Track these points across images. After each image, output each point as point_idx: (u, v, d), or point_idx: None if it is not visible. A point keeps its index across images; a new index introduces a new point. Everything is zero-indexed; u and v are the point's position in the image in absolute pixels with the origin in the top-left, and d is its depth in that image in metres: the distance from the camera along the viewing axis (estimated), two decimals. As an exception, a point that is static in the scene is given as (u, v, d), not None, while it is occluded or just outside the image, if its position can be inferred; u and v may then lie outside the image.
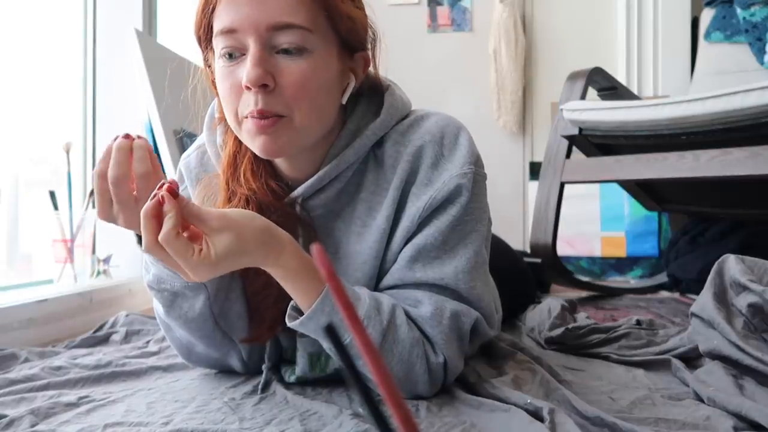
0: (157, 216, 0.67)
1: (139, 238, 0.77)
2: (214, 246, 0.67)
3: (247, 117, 0.75)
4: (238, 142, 0.83)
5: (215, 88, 0.82)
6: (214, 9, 0.76)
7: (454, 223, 0.80)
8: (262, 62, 0.73)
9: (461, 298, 0.80)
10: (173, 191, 0.66)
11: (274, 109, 0.74)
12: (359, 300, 0.75)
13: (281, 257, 0.72)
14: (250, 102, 0.74)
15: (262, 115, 0.74)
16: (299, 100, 0.75)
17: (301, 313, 0.75)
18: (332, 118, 0.82)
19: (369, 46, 0.84)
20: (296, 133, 0.77)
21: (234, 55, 0.75)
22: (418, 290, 0.80)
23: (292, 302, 0.76)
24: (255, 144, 0.77)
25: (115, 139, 0.74)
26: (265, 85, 0.73)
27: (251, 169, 0.83)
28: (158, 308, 0.87)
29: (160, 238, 0.65)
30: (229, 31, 0.74)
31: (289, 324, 0.75)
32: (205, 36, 0.80)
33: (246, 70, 0.73)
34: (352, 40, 0.80)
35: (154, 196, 0.67)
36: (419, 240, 0.80)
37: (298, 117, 0.75)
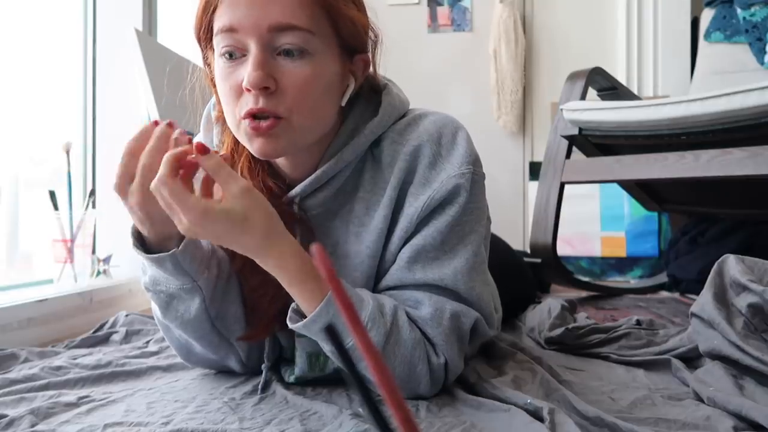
0: (178, 162, 0.68)
1: (136, 238, 0.78)
2: (221, 205, 0.67)
3: (245, 118, 0.75)
4: (236, 141, 0.82)
5: (214, 86, 0.81)
6: (215, 9, 0.75)
7: (452, 223, 0.80)
8: (263, 65, 0.73)
9: (461, 298, 0.80)
10: (203, 147, 0.68)
11: (274, 109, 0.74)
12: (363, 302, 0.75)
13: (282, 258, 0.72)
14: (249, 101, 0.74)
15: (261, 113, 0.74)
16: (300, 102, 0.75)
17: (301, 315, 0.75)
18: (331, 120, 0.81)
19: (369, 48, 0.84)
20: (294, 134, 0.76)
21: (234, 54, 0.75)
22: (418, 291, 0.80)
23: (293, 304, 0.76)
24: (253, 146, 0.76)
25: (155, 124, 0.73)
26: (266, 87, 0.73)
27: (248, 168, 0.83)
28: (155, 310, 0.87)
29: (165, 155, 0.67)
30: (230, 30, 0.73)
31: (291, 326, 0.75)
32: (205, 36, 0.79)
33: (247, 72, 0.73)
34: (352, 42, 0.80)
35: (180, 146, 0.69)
36: (418, 241, 0.80)
37: (296, 119, 0.75)
